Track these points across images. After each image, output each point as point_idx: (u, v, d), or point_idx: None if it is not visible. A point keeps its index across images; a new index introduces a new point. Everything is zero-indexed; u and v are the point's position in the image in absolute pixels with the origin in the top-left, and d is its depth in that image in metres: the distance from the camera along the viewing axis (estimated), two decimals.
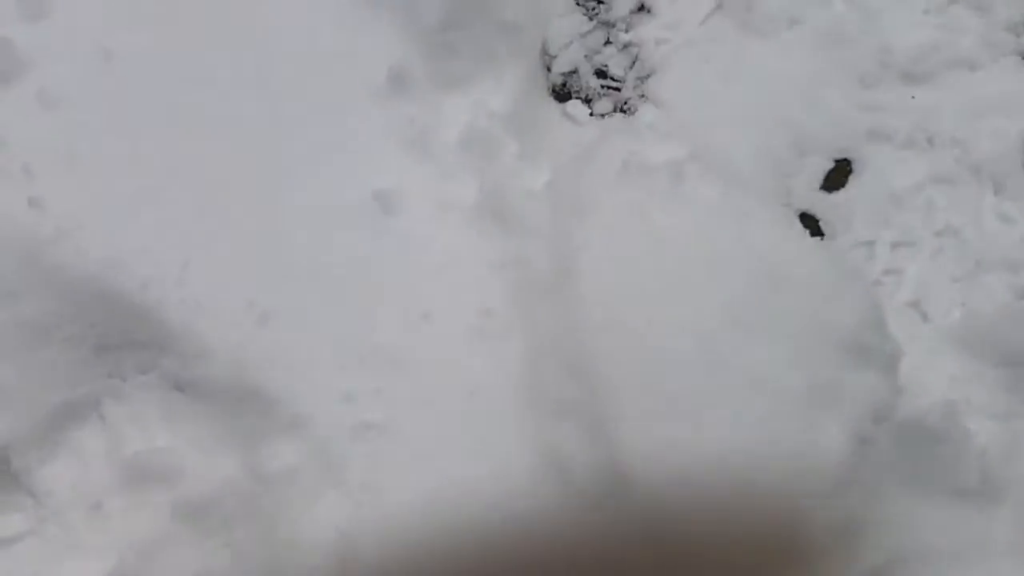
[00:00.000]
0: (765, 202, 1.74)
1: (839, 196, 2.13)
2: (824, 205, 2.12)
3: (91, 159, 1.86)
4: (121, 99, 1.92)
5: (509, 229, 1.82)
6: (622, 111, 2.22)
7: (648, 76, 2.25)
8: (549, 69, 2.27)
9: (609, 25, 2.32)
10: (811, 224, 2.10)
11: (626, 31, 2.31)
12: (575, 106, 2.21)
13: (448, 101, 1.94)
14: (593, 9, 2.34)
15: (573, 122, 2.20)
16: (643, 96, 2.23)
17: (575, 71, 2.27)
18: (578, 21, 2.32)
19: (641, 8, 2.34)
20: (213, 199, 1.85)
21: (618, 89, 2.25)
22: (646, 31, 2.31)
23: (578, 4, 2.35)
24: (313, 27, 1.99)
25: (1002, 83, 2.20)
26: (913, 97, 2.18)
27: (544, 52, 2.27)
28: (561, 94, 2.24)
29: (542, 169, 1.89)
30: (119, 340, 1.82)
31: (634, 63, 2.27)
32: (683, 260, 1.63)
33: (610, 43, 2.31)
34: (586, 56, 2.28)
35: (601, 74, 2.27)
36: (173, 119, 1.91)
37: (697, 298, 1.59)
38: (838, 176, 2.15)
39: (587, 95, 2.24)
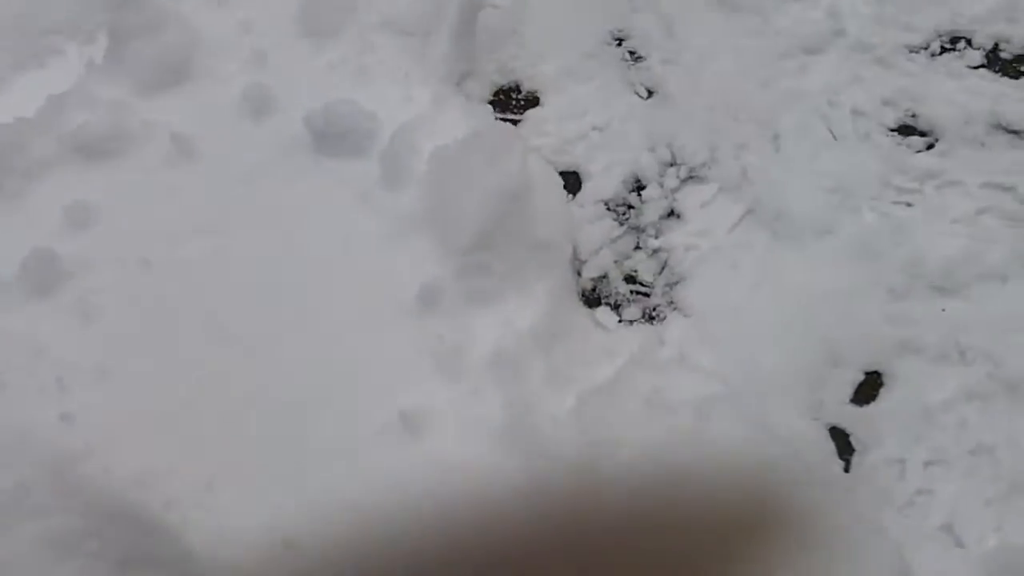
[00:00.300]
0: (791, 440, 1.71)
1: (870, 410, 2.11)
2: (854, 419, 2.10)
3: (123, 374, 1.91)
4: (156, 311, 1.99)
5: (535, 454, 1.81)
6: (650, 318, 2.24)
7: (677, 283, 2.28)
8: (579, 274, 2.29)
9: (639, 230, 2.36)
10: (841, 439, 2.08)
11: (656, 237, 2.35)
12: (604, 313, 2.24)
13: (478, 319, 1.97)
14: (623, 214, 2.38)
15: (602, 329, 2.22)
16: (672, 303, 2.25)
17: (605, 276, 2.30)
18: (608, 226, 2.36)
19: (671, 214, 2.38)
20: (241, 418, 1.88)
21: (647, 295, 2.27)
22: (676, 237, 2.34)
23: (608, 209, 2.39)
24: (350, 244, 2.05)
25: None
26: (944, 310, 2.18)
27: (575, 257, 2.29)
28: (591, 299, 2.27)
29: (569, 392, 1.90)
30: (140, 557, 1.84)
31: (663, 269, 2.30)
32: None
33: (640, 248, 2.34)
34: (616, 261, 2.32)
35: (631, 279, 2.30)
36: (205, 333, 1.96)
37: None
38: (869, 389, 2.14)
39: (616, 301, 2.27)
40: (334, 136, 2.17)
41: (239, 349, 1.94)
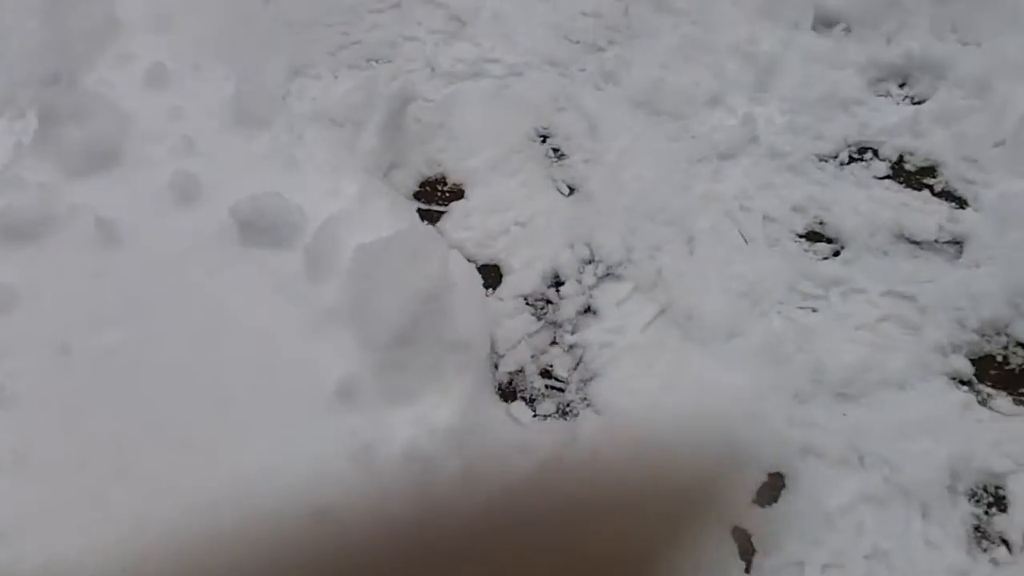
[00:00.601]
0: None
1: (772, 511, 2.17)
2: (757, 520, 2.16)
3: (40, 459, 1.92)
4: (75, 397, 2.00)
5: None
6: (564, 414, 2.29)
7: (592, 379, 2.34)
8: (497, 367, 2.34)
9: (556, 325, 2.42)
10: (743, 539, 2.13)
11: (572, 332, 2.41)
12: (519, 407, 2.29)
13: (394, 415, 2.01)
14: (542, 309, 2.45)
15: (517, 424, 2.26)
16: (585, 399, 2.31)
17: (521, 370, 2.36)
18: (527, 321, 2.42)
19: (587, 310, 2.45)
20: (155, 505, 1.88)
21: (562, 390, 2.33)
22: (591, 334, 2.41)
23: (527, 304, 2.46)
24: (271, 336, 2.08)
25: (930, 404, 2.29)
26: (845, 415, 2.26)
27: (493, 350, 2.34)
28: (507, 392, 2.32)
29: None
30: None
31: (578, 365, 2.36)
32: None
33: (556, 344, 2.40)
34: (532, 356, 2.37)
35: (546, 374, 2.36)
36: (124, 420, 1.98)
37: None
38: (771, 491, 2.20)
39: (532, 395, 2.32)
40: (259, 227, 2.21)
41: (156, 439, 1.95)
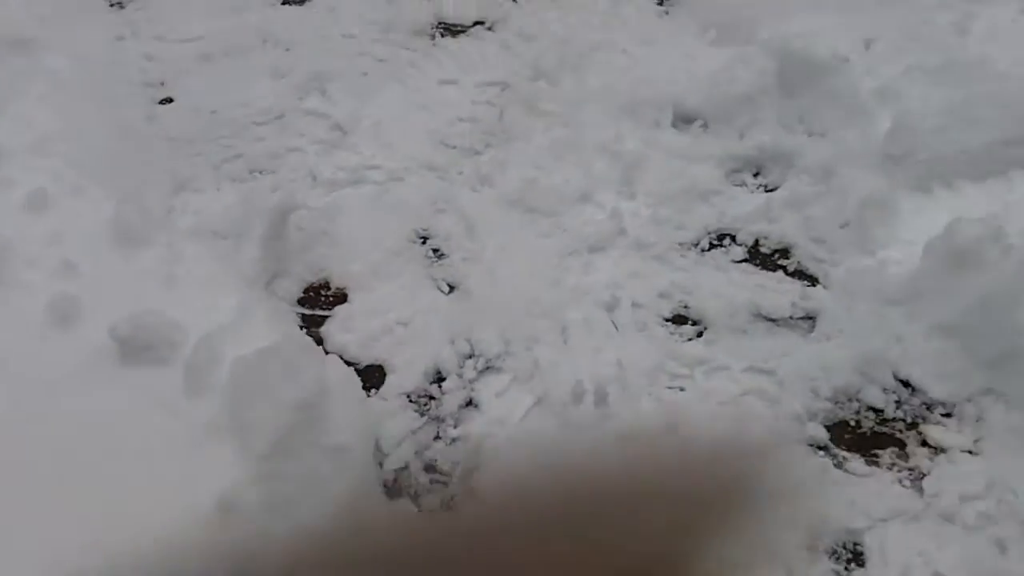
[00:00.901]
0: None
1: None
2: None
3: None
4: None
5: None
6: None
7: (474, 470, 2.42)
8: (382, 465, 2.42)
9: (439, 420, 2.53)
10: None
11: (455, 426, 2.52)
12: (404, 504, 2.35)
13: (274, 525, 2.06)
14: (425, 405, 2.55)
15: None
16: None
17: (406, 467, 2.44)
18: (410, 418, 2.53)
19: (469, 403, 2.56)
20: None
21: (446, 484, 2.41)
22: (474, 426, 2.52)
23: (411, 401, 2.56)
24: (150, 455, 2.12)
25: (789, 471, 2.42)
26: None
27: (377, 449, 2.43)
28: (392, 490, 2.40)
29: None
30: None
31: (462, 458, 2.45)
32: None
33: (439, 438, 2.50)
34: (416, 452, 2.47)
35: (431, 468, 2.44)
36: None
37: None
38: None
39: (416, 491, 2.40)
40: (138, 346, 2.27)
41: (28, 560, 1.97)
